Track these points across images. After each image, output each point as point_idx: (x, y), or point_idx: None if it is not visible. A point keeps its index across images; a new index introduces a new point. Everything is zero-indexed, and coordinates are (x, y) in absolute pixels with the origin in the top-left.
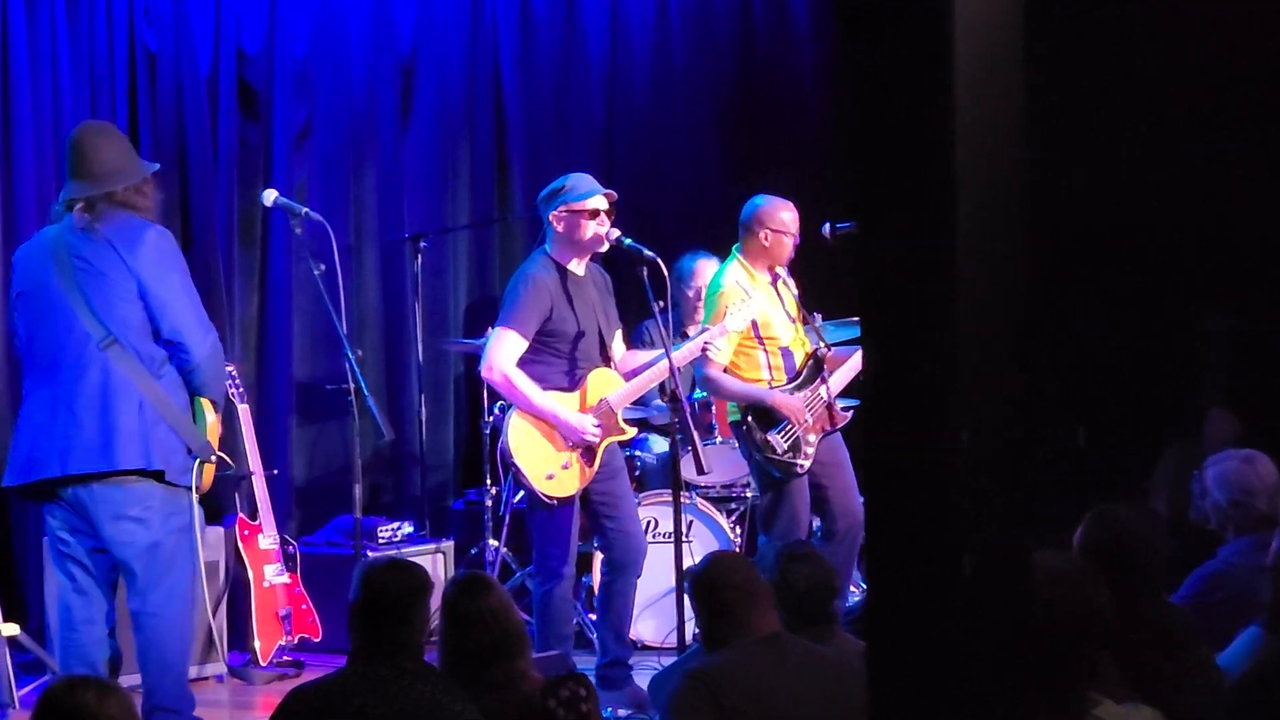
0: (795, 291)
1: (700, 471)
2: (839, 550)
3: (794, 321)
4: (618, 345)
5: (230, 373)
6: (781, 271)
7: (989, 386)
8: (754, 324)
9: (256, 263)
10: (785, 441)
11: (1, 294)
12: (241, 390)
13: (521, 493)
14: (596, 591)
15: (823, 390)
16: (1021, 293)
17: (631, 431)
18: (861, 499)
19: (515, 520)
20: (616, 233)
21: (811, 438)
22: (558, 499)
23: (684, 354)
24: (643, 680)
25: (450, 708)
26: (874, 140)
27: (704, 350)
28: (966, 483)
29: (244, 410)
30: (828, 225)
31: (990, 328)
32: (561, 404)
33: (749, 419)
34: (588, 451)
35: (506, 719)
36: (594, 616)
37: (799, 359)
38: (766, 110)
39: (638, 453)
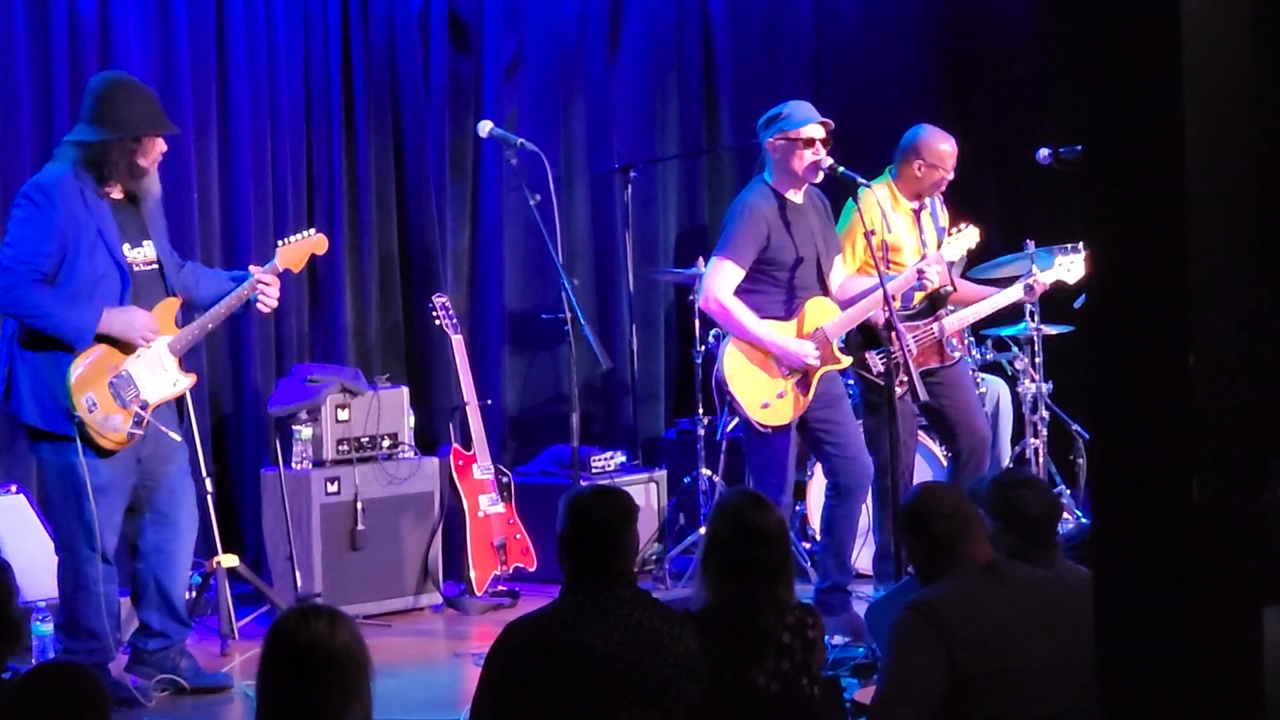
0: (943, 222)
1: (916, 399)
2: (964, 473)
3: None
4: (837, 272)
5: (443, 304)
6: (932, 201)
7: (1218, 309)
8: (885, 246)
9: (468, 195)
10: (882, 364)
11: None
12: (455, 321)
13: (736, 421)
14: (817, 518)
15: (935, 326)
16: (1251, 213)
17: (847, 360)
18: (986, 422)
19: (730, 449)
20: (830, 161)
21: (912, 367)
22: (773, 427)
23: (899, 283)
24: (860, 608)
25: (669, 634)
26: (1101, 59)
27: (919, 275)
28: (1195, 405)
29: (457, 341)
30: (1045, 150)
31: (1220, 249)
32: (778, 332)
33: (853, 334)
34: (803, 380)
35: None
36: (808, 545)
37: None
38: (976, 37)
39: (852, 380)
